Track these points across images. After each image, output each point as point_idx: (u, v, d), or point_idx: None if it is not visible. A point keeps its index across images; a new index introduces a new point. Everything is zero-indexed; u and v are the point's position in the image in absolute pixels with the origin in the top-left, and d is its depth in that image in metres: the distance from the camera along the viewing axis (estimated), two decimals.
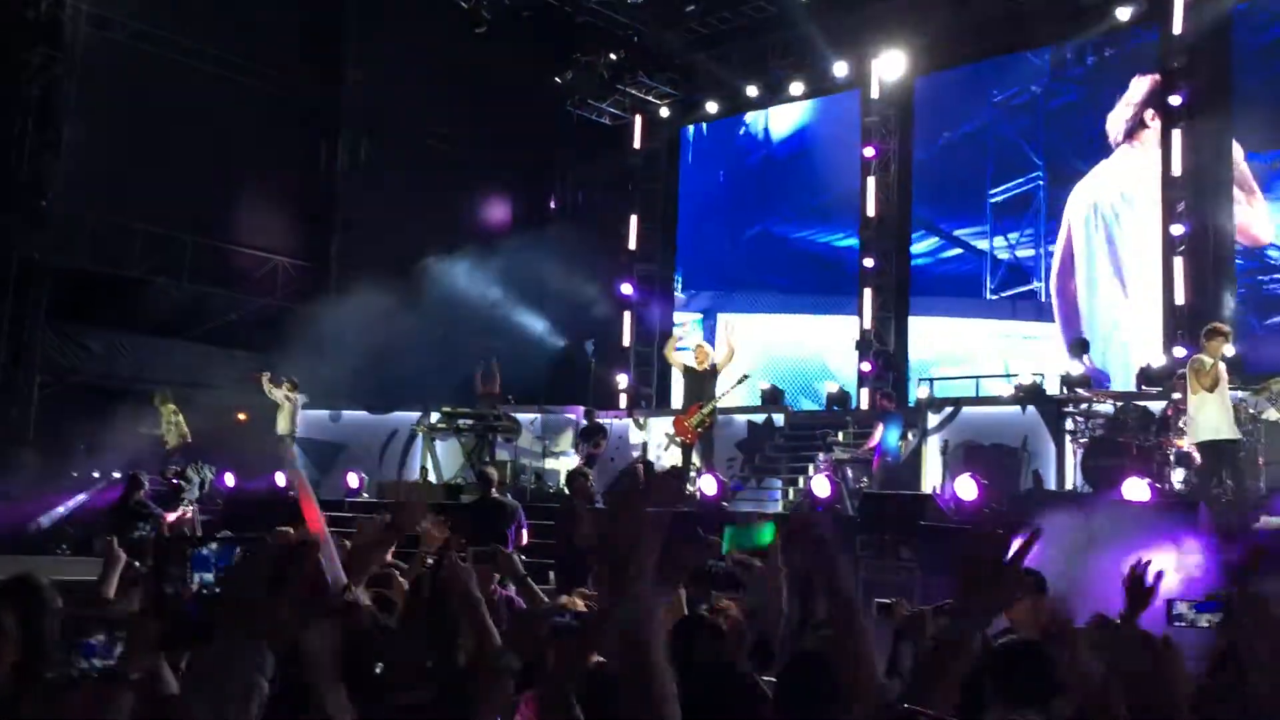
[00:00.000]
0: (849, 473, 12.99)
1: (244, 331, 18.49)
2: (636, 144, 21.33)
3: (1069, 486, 11.76)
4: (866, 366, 17.58)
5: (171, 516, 12.72)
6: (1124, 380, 14.75)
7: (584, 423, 16.06)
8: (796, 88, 19.19)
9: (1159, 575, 3.24)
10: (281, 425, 16.18)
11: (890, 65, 17.76)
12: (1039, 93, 17.91)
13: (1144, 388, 12.94)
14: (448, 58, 19.21)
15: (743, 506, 13.88)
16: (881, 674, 3.60)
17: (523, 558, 9.22)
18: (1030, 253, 18.02)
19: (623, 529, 1.83)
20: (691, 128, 21.92)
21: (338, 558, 3.53)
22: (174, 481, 13.63)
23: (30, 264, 16.41)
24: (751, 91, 19.52)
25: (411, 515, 4.05)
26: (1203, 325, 12.37)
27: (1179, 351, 13.96)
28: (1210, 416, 9.61)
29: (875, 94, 18.10)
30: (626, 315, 20.71)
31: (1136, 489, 9.32)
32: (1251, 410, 10.39)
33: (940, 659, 2.17)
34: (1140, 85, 16.44)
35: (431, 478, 15.65)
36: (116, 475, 14.89)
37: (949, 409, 13.68)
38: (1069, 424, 12.14)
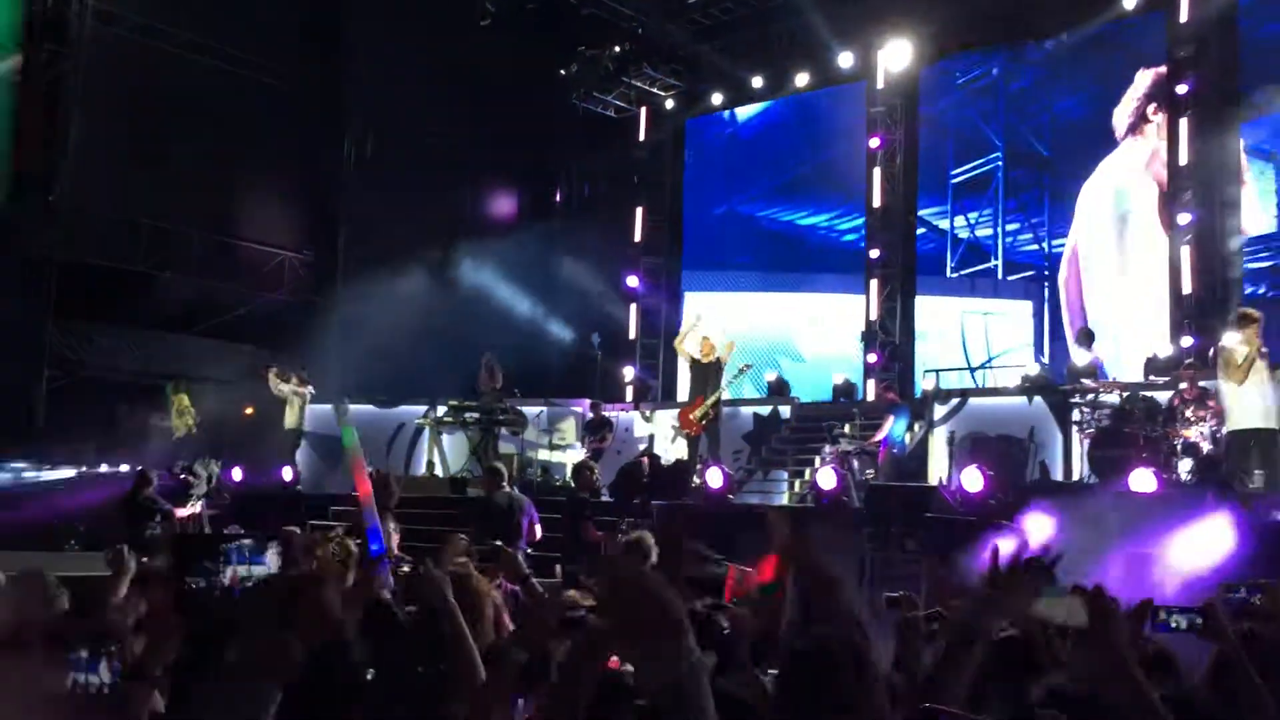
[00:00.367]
0: (855, 464, 12.98)
1: (251, 326, 18.53)
2: (642, 136, 21.28)
3: (1076, 477, 11.75)
4: (873, 358, 17.54)
5: (182, 513, 12.75)
6: (1134, 371, 14.78)
7: (590, 415, 16.05)
8: (802, 78, 19.13)
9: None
10: (290, 420, 16.21)
11: (895, 55, 17.67)
12: (998, 75, 18.08)
13: (1151, 378, 12.91)
14: (453, 51, 19.19)
15: (749, 499, 13.90)
16: (889, 667, 3.63)
17: (530, 553, 9.31)
18: (989, 232, 18.67)
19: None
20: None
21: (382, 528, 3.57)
22: (182, 477, 13.65)
23: (38, 259, 16.46)
24: (756, 82, 19.47)
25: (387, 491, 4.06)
26: (1208, 314, 12.35)
27: (1186, 341, 13.94)
28: (1243, 404, 9.54)
29: (880, 84, 18.02)
30: (633, 308, 20.68)
31: (1143, 480, 9.30)
32: None
33: (955, 655, 2.19)
34: (1144, 78, 16.40)
35: (438, 471, 15.69)
36: (125, 469, 14.97)
37: (955, 400, 13.67)
38: (1075, 415, 12.12)
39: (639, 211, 21.09)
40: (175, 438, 16.06)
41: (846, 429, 14.45)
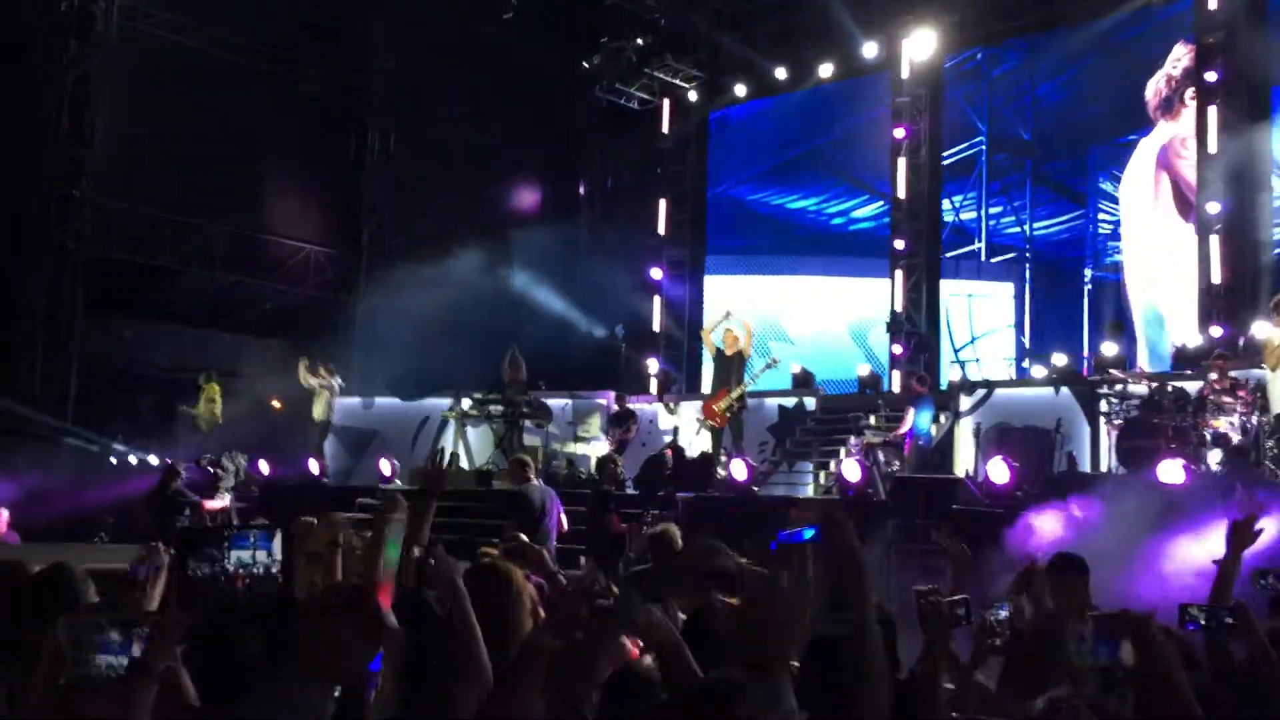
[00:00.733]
0: (880, 456, 12.91)
1: (277, 320, 18.64)
2: (665, 128, 21.23)
3: (1104, 469, 11.66)
4: (898, 349, 17.46)
5: (211, 505, 12.84)
6: (1166, 359, 14.72)
7: (615, 408, 16.04)
8: (826, 69, 19.03)
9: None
10: (318, 412, 16.35)
11: (920, 45, 17.54)
12: (982, 60, 18.16)
13: (1179, 368, 12.79)
14: (474, 44, 19.23)
15: (774, 490, 13.87)
16: (915, 662, 3.62)
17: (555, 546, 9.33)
18: (972, 215, 18.98)
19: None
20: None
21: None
22: (210, 470, 13.75)
23: (65, 254, 16.60)
24: (780, 74, 19.37)
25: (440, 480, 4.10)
26: (1239, 304, 12.20)
27: (1215, 331, 13.80)
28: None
29: (905, 74, 17.88)
30: (656, 300, 20.66)
31: (1172, 470, 9.22)
32: None
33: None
34: (1179, 54, 16.20)
35: (463, 464, 15.72)
36: (154, 461, 15.10)
37: (982, 391, 13.59)
38: (1103, 405, 12.03)
39: (663, 203, 21.05)
40: (199, 428, 16.20)
41: (872, 420, 14.40)
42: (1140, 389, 11.66)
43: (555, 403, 16.10)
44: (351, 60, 20.27)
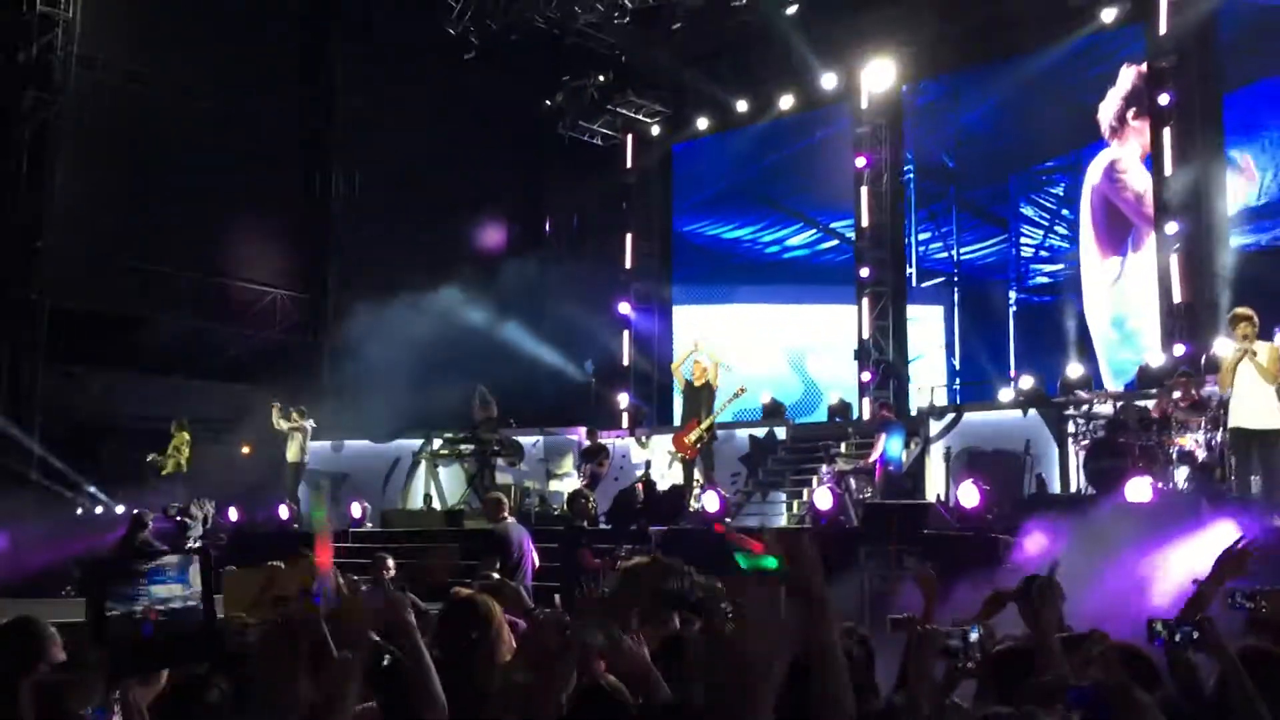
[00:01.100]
0: (852, 483, 12.96)
1: (244, 365, 18.52)
2: (629, 163, 21.37)
3: (1073, 489, 11.73)
4: (866, 376, 17.57)
5: None
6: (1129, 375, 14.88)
7: (586, 443, 16.03)
8: (786, 101, 19.24)
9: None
10: (291, 454, 16.25)
11: (879, 75, 17.76)
12: (906, 91, 18.54)
13: (1143, 387, 12.91)
14: (438, 85, 19.30)
15: (747, 521, 13.86)
16: (891, 690, 3.62)
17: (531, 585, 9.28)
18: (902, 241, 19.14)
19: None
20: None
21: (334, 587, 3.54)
22: (178, 519, 13.61)
23: (27, 305, 16.46)
24: (741, 106, 19.57)
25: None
26: (1199, 322, 12.32)
27: (1178, 350, 13.94)
28: (1235, 404, 9.44)
29: (865, 104, 18.10)
30: (625, 334, 20.71)
31: (1139, 489, 9.27)
32: None
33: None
34: (1127, 76, 16.47)
35: (435, 504, 15.64)
36: (120, 511, 14.91)
37: (950, 416, 13.67)
38: (1070, 426, 12.12)
39: (629, 238, 21.15)
40: (164, 474, 16.05)
41: (843, 448, 14.43)
42: (1106, 409, 11.76)
43: (526, 440, 16.06)
44: (315, 103, 20.28)
